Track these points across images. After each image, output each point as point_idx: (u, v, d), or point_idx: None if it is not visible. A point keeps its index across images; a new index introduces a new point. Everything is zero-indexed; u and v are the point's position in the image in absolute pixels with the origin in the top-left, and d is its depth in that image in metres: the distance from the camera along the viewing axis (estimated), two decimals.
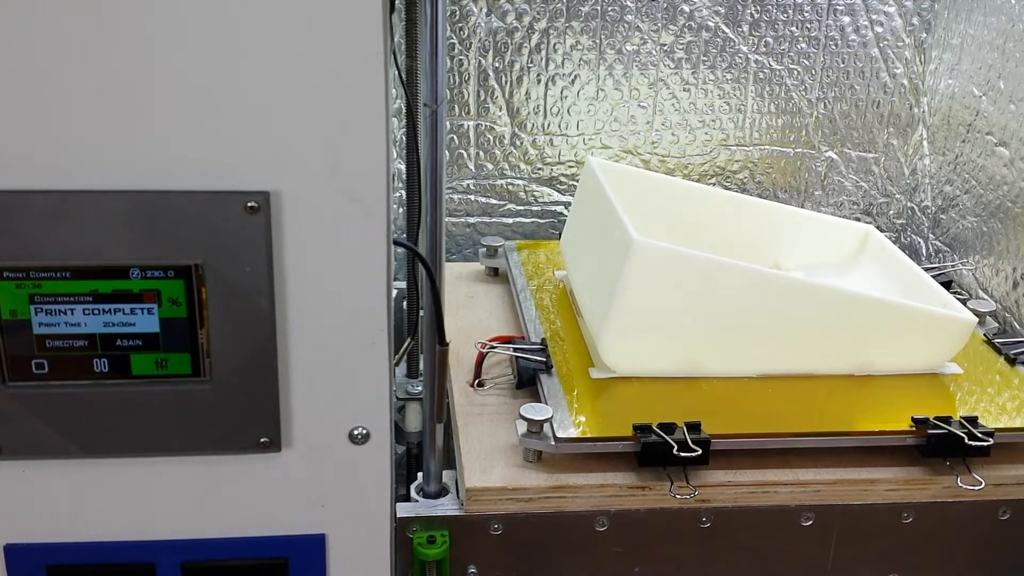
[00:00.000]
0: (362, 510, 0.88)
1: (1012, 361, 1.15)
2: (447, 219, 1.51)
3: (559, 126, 1.49)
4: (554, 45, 1.44)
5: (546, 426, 0.97)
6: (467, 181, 1.50)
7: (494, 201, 1.52)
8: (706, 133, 1.52)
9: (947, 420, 0.99)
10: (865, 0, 1.46)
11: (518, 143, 1.49)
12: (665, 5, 1.43)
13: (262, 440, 0.83)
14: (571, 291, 1.27)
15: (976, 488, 0.97)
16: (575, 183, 1.50)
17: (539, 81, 1.46)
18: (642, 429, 0.96)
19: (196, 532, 0.86)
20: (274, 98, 0.74)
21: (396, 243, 0.84)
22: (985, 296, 1.34)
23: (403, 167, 1.27)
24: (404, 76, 1.04)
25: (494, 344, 1.14)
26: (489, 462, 0.98)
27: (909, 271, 1.21)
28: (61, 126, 0.73)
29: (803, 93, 1.51)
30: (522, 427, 0.97)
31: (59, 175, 0.74)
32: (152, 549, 0.86)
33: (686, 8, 1.44)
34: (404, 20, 1.04)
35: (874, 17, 1.47)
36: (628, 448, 0.96)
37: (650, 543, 0.98)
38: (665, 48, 1.46)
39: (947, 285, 1.31)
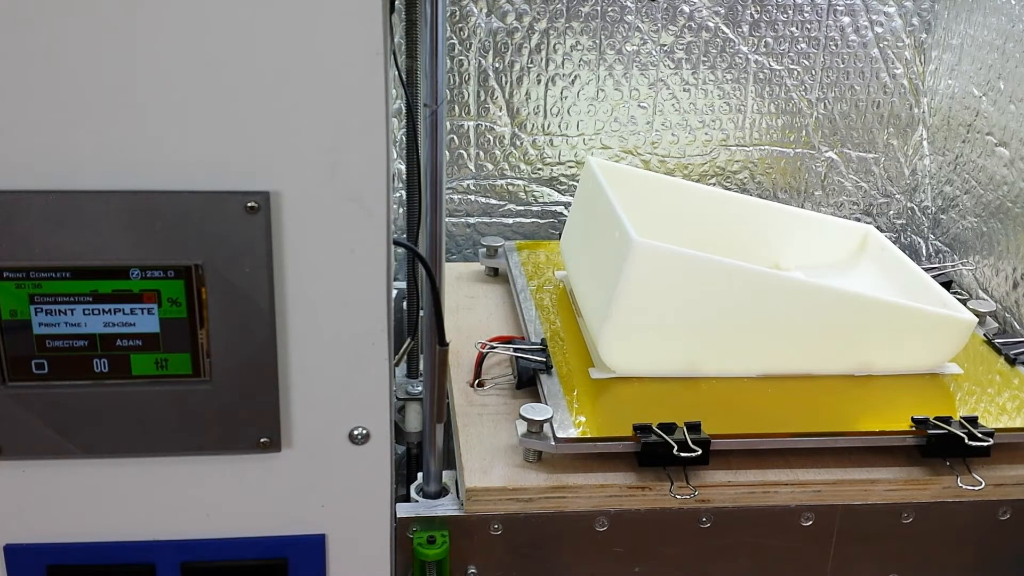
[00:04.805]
0: (362, 510, 0.88)
1: (1012, 361, 1.15)
2: (447, 219, 1.51)
3: (559, 126, 1.49)
4: (554, 45, 1.44)
5: (546, 426, 0.97)
6: (467, 181, 1.50)
7: (494, 201, 1.52)
8: (706, 133, 1.52)
9: (947, 420, 0.99)
10: (865, 0, 1.46)
11: (518, 143, 1.49)
12: (665, 5, 1.43)
13: (262, 440, 0.83)
14: (571, 291, 1.27)
15: (976, 488, 0.97)
16: (575, 183, 1.50)
17: (539, 81, 1.46)
18: (642, 429, 0.96)
19: (196, 532, 0.86)
20: (274, 98, 0.74)
21: (396, 243, 0.84)
22: (985, 296, 1.34)
23: (403, 167, 1.27)
24: (404, 76, 1.04)
25: (494, 344, 1.14)
26: (489, 462, 0.98)
27: (909, 271, 1.21)
28: (61, 126, 0.73)
29: (803, 93, 1.51)
30: (522, 427, 0.97)
31: (59, 175, 0.74)
32: (152, 549, 0.86)
33: (686, 8, 1.44)
34: (404, 20, 1.04)
35: (874, 17, 1.47)
36: (628, 448, 0.96)
37: (650, 543, 0.98)
38: (665, 48, 1.46)
39: (947, 285, 1.31)
